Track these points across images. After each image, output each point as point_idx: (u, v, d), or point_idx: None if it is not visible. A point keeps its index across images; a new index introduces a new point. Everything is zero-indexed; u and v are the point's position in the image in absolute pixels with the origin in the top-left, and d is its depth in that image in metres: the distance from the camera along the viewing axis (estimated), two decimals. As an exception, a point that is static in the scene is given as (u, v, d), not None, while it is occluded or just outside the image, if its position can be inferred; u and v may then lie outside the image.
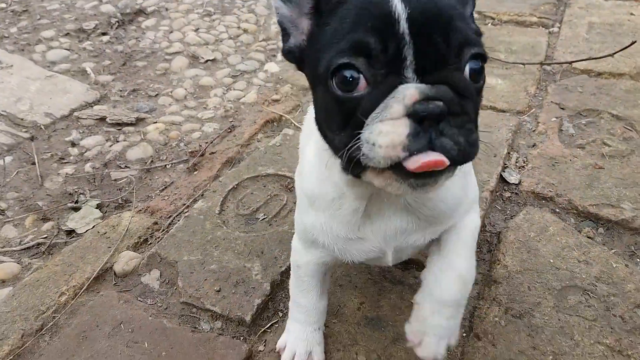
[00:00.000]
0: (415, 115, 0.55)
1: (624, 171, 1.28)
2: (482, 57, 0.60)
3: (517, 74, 1.69)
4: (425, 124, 0.55)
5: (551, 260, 1.07)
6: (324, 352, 0.92)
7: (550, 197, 1.23)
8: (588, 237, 1.14)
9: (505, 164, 1.33)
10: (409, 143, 0.55)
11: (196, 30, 2.08)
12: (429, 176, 0.57)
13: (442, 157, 0.55)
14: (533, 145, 1.40)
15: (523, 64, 1.71)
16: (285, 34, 0.71)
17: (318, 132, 0.69)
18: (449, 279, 0.77)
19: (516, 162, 1.34)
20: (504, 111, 1.52)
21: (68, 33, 2.07)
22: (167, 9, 2.23)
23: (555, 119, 1.48)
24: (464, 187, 0.77)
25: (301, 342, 0.91)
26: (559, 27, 1.96)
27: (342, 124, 0.62)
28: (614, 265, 1.06)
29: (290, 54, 0.70)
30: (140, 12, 2.19)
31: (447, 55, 0.58)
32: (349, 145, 0.59)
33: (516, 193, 1.26)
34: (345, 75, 0.59)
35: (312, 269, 0.86)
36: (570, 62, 1.67)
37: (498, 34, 1.94)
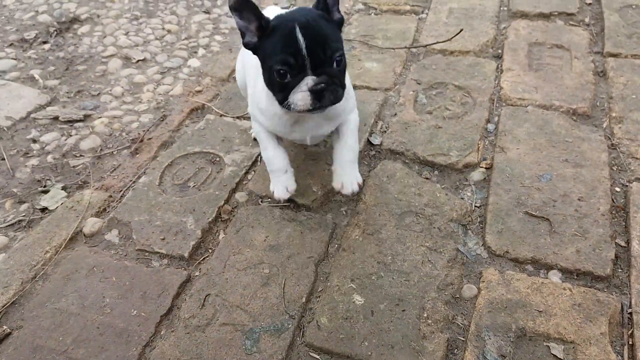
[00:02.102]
0: (312, 91, 1.19)
1: (456, 128, 1.77)
2: (342, 54, 1.22)
3: (389, 57, 2.14)
4: (318, 94, 1.19)
5: (396, 196, 1.55)
6: (294, 184, 1.48)
7: (402, 152, 1.70)
8: (425, 178, 1.62)
9: (372, 130, 1.79)
10: (312, 102, 1.20)
11: (126, 33, 2.41)
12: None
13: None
14: (394, 115, 1.86)
15: (393, 48, 2.17)
16: (242, 34, 1.26)
17: (267, 86, 1.29)
18: (346, 150, 1.43)
19: (380, 128, 1.81)
20: (375, 89, 1.98)
21: (12, 43, 2.35)
22: (98, 16, 2.54)
23: (412, 92, 1.95)
24: (346, 100, 1.36)
25: (280, 183, 1.46)
26: (427, 14, 2.43)
27: (280, 91, 1.23)
28: (438, 195, 1.55)
29: (248, 46, 1.27)
30: (75, 20, 2.48)
31: (325, 61, 1.19)
32: (284, 101, 1.23)
33: (378, 151, 1.72)
34: (280, 73, 1.19)
35: (267, 136, 1.46)
36: (425, 46, 2.15)
37: (378, 22, 2.38)
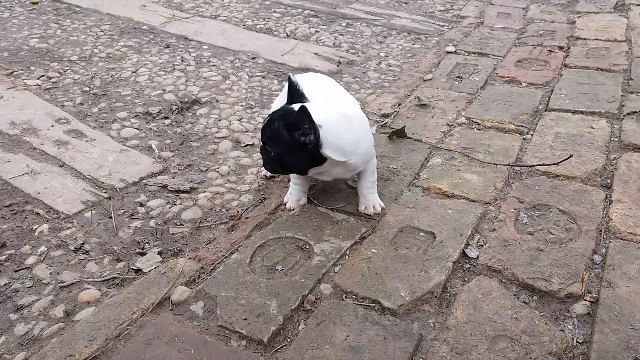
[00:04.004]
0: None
1: (559, 254, 1.67)
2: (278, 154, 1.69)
3: (490, 172, 2.12)
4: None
5: (490, 316, 1.45)
6: (306, 200, 1.92)
7: (499, 270, 1.62)
8: (523, 302, 1.51)
9: (468, 242, 1.74)
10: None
11: (240, 119, 2.59)
12: None
13: None
14: (493, 230, 1.80)
15: (495, 164, 2.15)
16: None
17: None
18: (367, 182, 1.86)
19: (477, 242, 1.75)
20: (474, 201, 1.94)
21: (138, 115, 2.60)
22: (217, 100, 2.76)
23: (513, 210, 1.89)
24: (365, 155, 1.79)
25: (295, 195, 1.90)
26: (532, 135, 2.41)
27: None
28: (537, 323, 1.43)
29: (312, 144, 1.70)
30: (196, 101, 2.72)
31: (269, 153, 1.70)
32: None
33: (474, 265, 1.65)
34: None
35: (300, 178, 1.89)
36: (530, 166, 2.11)
37: (480, 137, 2.39)
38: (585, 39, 3.67)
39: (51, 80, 2.97)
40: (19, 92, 2.80)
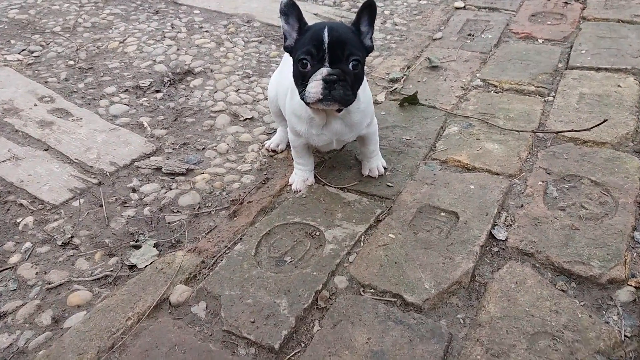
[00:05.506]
0: (325, 80, 1.40)
1: (596, 232, 1.51)
2: (358, 60, 1.44)
3: (512, 140, 1.94)
4: (329, 84, 1.40)
5: (527, 309, 1.30)
6: (313, 179, 1.78)
7: (531, 253, 1.46)
8: (561, 290, 1.36)
9: (495, 222, 1.57)
10: (322, 91, 1.40)
11: (237, 90, 2.39)
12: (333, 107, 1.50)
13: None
14: (521, 206, 1.63)
15: (518, 131, 1.96)
16: (285, 38, 1.54)
17: (294, 81, 1.52)
18: (370, 146, 1.74)
19: (505, 221, 1.58)
20: (497, 174, 1.77)
21: (127, 89, 2.40)
22: (211, 70, 2.55)
23: (541, 182, 1.72)
24: (365, 111, 1.63)
25: (301, 176, 1.76)
26: (554, 96, 2.21)
27: (301, 81, 1.45)
28: (580, 316, 1.28)
29: (287, 48, 1.54)
30: (189, 72, 2.51)
31: (341, 58, 1.42)
32: (302, 92, 1.44)
33: (503, 248, 1.50)
34: (303, 62, 1.44)
35: (301, 146, 1.71)
36: (557, 132, 1.92)
37: (499, 101, 2.20)
38: (603, -12, 3.41)
39: (33, 54, 2.75)
40: (-3, 68, 2.59)
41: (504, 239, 1.51)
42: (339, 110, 1.53)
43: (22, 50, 2.77)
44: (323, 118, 1.58)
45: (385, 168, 1.79)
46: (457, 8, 3.22)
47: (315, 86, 1.40)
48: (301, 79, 1.45)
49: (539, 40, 2.75)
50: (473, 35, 2.84)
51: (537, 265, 1.44)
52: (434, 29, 2.95)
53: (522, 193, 1.69)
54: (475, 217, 1.58)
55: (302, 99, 1.46)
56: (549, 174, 1.76)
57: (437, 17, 3.12)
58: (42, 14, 3.21)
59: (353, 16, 3.29)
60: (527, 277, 1.38)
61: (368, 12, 1.50)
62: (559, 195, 1.67)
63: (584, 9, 3.09)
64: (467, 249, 1.46)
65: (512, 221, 1.58)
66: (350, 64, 1.43)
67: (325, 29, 1.41)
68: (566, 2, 3.21)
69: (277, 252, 1.51)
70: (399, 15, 3.21)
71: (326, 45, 1.39)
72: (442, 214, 1.61)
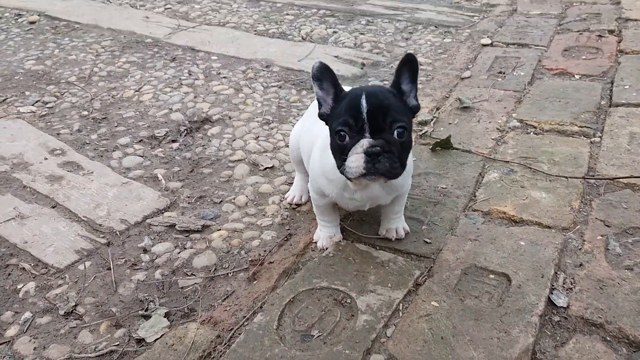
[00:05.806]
0: (367, 153, 1.23)
1: (675, 297, 1.30)
2: (404, 127, 1.26)
3: (561, 187, 1.74)
4: (372, 157, 1.22)
5: (603, 394, 1.09)
6: (340, 235, 1.61)
7: (600, 323, 1.25)
8: (640, 370, 1.15)
9: (552, 285, 1.37)
10: (365, 165, 1.23)
11: (256, 138, 2.26)
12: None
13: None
14: (580, 265, 1.43)
15: (566, 177, 1.77)
16: (319, 105, 1.38)
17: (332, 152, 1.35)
18: (395, 209, 1.56)
19: (563, 284, 1.38)
20: (549, 227, 1.57)
21: (141, 140, 2.29)
22: (230, 117, 2.43)
23: (600, 237, 1.51)
24: (407, 172, 1.44)
25: (327, 232, 1.59)
26: (600, 137, 2.02)
27: (339, 154, 1.30)
28: (668, 402, 1.06)
29: (322, 116, 1.38)
30: (207, 120, 2.40)
31: (384, 127, 1.25)
32: (341, 165, 1.28)
33: (565, 317, 1.29)
34: (340, 134, 1.28)
35: (326, 205, 1.55)
36: (613, 179, 1.72)
37: (540, 143, 2.02)
38: (636, 19, 3.27)
39: (47, 105, 2.67)
40: (10, 121, 2.51)
41: (565, 306, 1.31)
42: (386, 181, 1.35)
43: (36, 102, 2.70)
44: (362, 184, 1.40)
45: (407, 232, 1.59)
46: (484, 45, 3.10)
47: (356, 160, 1.23)
48: (340, 152, 1.29)
49: (575, 76, 2.59)
50: (504, 73, 2.69)
51: (608, 338, 1.22)
52: (461, 68, 2.81)
53: (580, 250, 1.49)
54: (530, 279, 1.38)
55: (343, 173, 1.30)
56: (607, 226, 1.56)
57: (463, 55, 2.99)
58: (59, 64, 3.17)
59: (375, 57, 3.21)
60: (600, 355, 1.17)
61: (409, 67, 1.33)
62: (623, 251, 1.46)
63: (620, 42, 2.94)
64: (525, 319, 1.26)
65: (572, 284, 1.38)
66: (395, 132, 1.26)
67: (363, 96, 1.25)
68: (600, 35, 3.06)
69: (302, 325, 1.32)
70: (423, 55, 3.08)
71: (365, 114, 1.23)
72: (491, 276, 1.41)
